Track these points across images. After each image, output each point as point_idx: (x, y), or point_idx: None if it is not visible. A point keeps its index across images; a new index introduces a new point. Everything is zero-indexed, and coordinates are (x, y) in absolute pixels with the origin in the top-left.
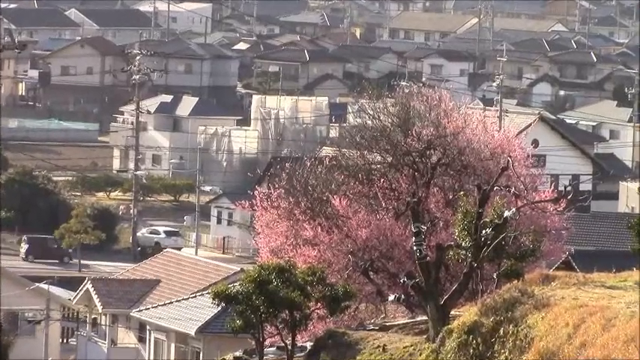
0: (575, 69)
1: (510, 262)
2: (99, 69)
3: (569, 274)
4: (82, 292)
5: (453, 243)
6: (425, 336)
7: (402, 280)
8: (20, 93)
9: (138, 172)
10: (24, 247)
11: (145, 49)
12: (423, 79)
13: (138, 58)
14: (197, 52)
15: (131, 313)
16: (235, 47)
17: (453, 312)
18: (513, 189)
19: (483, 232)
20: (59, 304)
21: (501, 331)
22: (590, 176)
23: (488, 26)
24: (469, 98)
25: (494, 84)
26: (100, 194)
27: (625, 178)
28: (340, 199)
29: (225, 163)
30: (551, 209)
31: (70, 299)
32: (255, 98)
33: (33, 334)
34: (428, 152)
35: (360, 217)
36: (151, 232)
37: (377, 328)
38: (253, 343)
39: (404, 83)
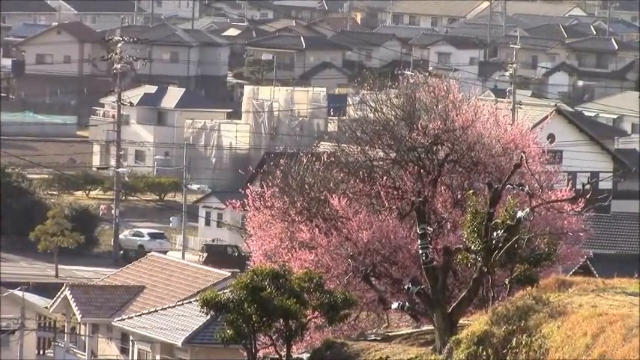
0: (595, 57)
1: (524, 266)
2: (77, 57)
3: (587, 279)
4: (60, 299)
5: (461, 246)
6: (431, 347)
7: (406, 287)
8: None
9: (120, 170)
10: (202, 255)
11: (128, 35)
12: (430, 68)
13: (119, 45)
14: (184, 39)
15: (113, 323)
16: (225, 33)
17: (461, 321)
18: (527, 187)
19: (494, 234)
20: (35, 312)
21: (514, 342)
22: (611, 174)
23: (500, 10)
24: (479, 89)
25: (507, 73)
26: (79, 193)
27: None
28: (339, 199)
29: (214, 160)
30: (568, 209)
31: (46, 307)
32: (247, 89)
33: (7, 344)
34: (435, 148)
35: (360, 218)
36: (134, 235)
37: (379, 338)
38: (245, 354)
39: (409, 72)
